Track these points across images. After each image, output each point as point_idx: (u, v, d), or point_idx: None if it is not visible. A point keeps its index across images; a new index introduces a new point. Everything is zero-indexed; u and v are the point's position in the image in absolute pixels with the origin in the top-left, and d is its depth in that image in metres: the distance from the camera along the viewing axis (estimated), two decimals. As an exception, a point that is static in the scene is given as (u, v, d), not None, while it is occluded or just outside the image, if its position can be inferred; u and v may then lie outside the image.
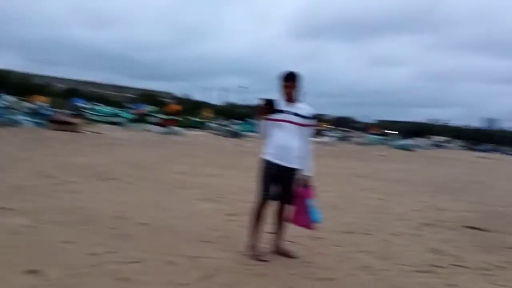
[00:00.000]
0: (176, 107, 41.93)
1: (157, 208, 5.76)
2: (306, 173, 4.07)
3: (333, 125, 70.48)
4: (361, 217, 6.54)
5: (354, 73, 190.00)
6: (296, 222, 4.12)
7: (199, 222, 5.23)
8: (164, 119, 30.44)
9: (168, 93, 71.87)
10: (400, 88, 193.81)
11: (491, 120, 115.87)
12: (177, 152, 14.79)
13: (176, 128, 27.39)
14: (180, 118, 34.08)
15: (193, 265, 3.66)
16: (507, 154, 70.03)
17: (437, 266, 4.25)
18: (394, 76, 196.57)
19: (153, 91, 68.16)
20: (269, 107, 3.96)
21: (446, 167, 19.70)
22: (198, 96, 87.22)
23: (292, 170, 4.00)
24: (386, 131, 71.17)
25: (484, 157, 38.43)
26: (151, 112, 33.69)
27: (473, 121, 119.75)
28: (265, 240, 4.18)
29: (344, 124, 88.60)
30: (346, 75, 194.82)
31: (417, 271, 4.07)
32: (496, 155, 52.25)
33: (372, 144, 39.04)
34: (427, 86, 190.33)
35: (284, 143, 3.94)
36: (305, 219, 4.06)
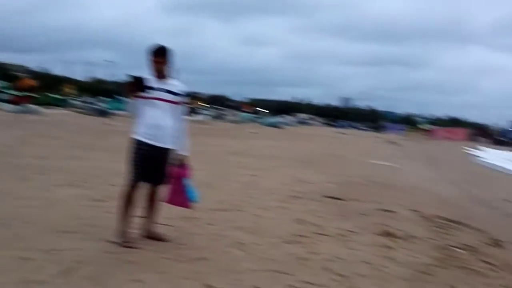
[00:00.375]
0: (30, 82, 37.71)
1: (9, 197, 5.10)
2: (181, 152, 3.95)
3: (207, 103, 70.80)
4: (233, 194, 6.67)
5: (227, 51, 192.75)
6: (173, 202, 4.02)
7: (58, 210, 4.75)
8: (17, 96, 27.23)
9: (21, 66, 64.42)
10: (269, 67, 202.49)
11: (346, 99, 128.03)
12: (34, 133, 13.36)
13: (32, 106, 24.70)
14: (36, 95, 30.80)
15: (50, 259, 3.29)
16: (359, 129, 78.64)
17: (302, 236, 4.53)
18: (264, 56, 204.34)
19: (3, 63, 60.41)
20: (138, 84, 3.71)
21: (310, 143, 21.27)
22: (58, 71, 79.72)
23: (166, 150, 3.85)
24: (257, 109, 74.13)
25: (342, 133, 42.50)
26: (0, 87, 29.83)
27: (332, 100, 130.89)
28: (135, 225, 3.99)
29: (218, 102, 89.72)
30: (219, 53, 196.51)
31: (284, 242, 4.29)
32: (351, 131, 58.26)
33: (245, 122, 40.33)
34: (293, 66, 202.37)
35: (157, 122, 3.75)
36: (182, 199, 3.98)
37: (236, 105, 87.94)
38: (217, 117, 43.71)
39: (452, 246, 4.62)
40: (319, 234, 4.69)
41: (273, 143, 18.47)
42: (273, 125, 38.75)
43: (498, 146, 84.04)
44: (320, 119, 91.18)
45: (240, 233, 4.49)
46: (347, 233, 4.83)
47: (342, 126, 75.85)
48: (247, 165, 10.26)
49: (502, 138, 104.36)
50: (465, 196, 9.88)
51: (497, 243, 5.25)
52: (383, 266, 3.76)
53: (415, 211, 6.49)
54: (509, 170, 26.51)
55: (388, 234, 4.89)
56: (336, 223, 5.28)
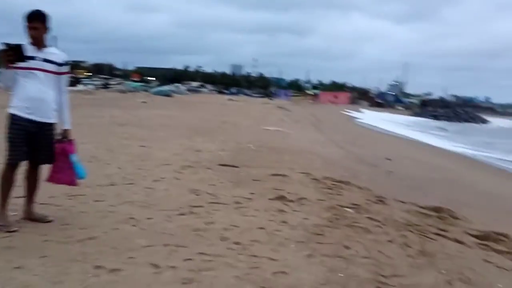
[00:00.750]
0: None
1: None
2: (65, 126, 3.60)
3: (91, 73, 66.10)
4: (123, 167, 6.30)
5: (113, 18, 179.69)
6: (58, 180, 3.69)
7: None
8: None
9: None
10: (158, 35, 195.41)
11: (237, 66, 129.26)
12: None
13: None
14: None
15: None
16: (250, 96, 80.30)
17: (197, 207, 4.43)
18: (153, 23, 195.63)
19: None
20: (15, 53, 3.26)
21: (202, 111, 21.05)
22: None
23: (49, 125, 3.48)
24: (146, 77, 71.34)
25: (233, 100, 42.87)
26: None
27: (223, 67, 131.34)
28: (15, 207, 3.55)
29: (104, 71, 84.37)
30: (103, 20, 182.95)
31: (179, 214, 4.15)
32: (243, 98, 59.10)
33: (133, 91, 38.51)
34: (183, 34, 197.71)
35: (36, 95, 3.37)
36: (68, 177, 3.66)
37: (123, 74, 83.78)
38: (103, 86, 41.13)
39: (341, 206, 4.90)
40: (215, 203, 4.63)
41: (164, 112, 17.90)
42: (164, 94, 37.57)
43: (378, 108, 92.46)
44: (212, 87, 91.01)
45: (132, 207, 4.25)
46: (242, 200, 4.85)
47: (233, 93, 76.67)
48: (137, 136, 9.78)
49: (381, 101, 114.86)
50: (350, 156, 10.64)
51: (380, 200, 5.71)
52: (278, 231, 3.83)
53: (306, 174, 6.77)
54: (387, 130, 29.37)
55: (281, 198, 5.02)
56: (231, 191, 5.28)
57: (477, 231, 4.82)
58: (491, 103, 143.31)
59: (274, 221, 4.13)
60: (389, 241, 3.86)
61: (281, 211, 4.52)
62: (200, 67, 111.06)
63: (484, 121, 77.85)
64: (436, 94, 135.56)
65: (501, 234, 4.74)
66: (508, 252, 4.16)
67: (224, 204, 4.64)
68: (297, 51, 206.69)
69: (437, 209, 5.82)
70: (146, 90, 41.75)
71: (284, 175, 6.51)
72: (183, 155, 7.75)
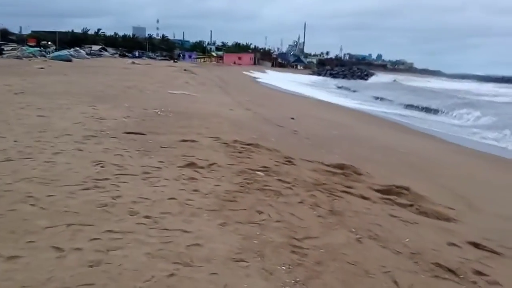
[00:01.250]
0: None
1: None
2: None
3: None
4: (20, 139, 5.71)
5: None
6: None
7: None
8: None
9: None
10: None
11: (139, 29, 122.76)
12: None
13: None
14: None
15: None
16: (155, 59, 77.37)
17: (102, 180, 4.17)
18: None
19: None
20: None
21: (103, 76, 19.77)
22: None
23: None
24: (44, 42, 65.23)
25: (136, 63, 40.89)
26: None
27: (125, 30, 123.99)
28: None
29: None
30: None
31: (83, 189, 3.88)
32: (146, 61, 56.63)
33: (30, 57, 34.84)
34: None
35: None
36: None
37: (19, 39, 76.01)
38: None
39: (252, 170, 4.95)
40: (121, 175, 4.40)
41: (63, 79, 16.51)
42: (63, 59, 34.54)
43: (280, 68, 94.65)
44: (113, 50, 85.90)
45: (30, 185, 3.89)
46: (151, 169, 4.67)
47: (136, 57, 73.20)
48: (34, 105, 8.91)
49: (282, 61, 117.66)
50: (257, 118, 10.76)
51: (289, 161, 5.87)
52: (190, 200, 3.76)
53: (215, 138, 6.72)
54: (290, 90, 30.25)
55: (191, 165, 4.94)
56: (138, 160, 5.06)
57: (379, 186, 5.20)
58: (383, 60, 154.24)
59: (185, 190, 4.05)
60: (300, 202, 3.99)
61: (192, 178, 4.44)
62: (100, 29, 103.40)
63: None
64: (333, 53, 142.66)
65: (402, 187, 5.16)
66: (410, 205, 4.55)
67: (132, 175, 4.43)
68: (200, 12, 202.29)
69: (341, 166, 6.15)
70: (43, 55, 38.08)
71: (193, 141, 6.40)
72: (86, 124, 7.24)
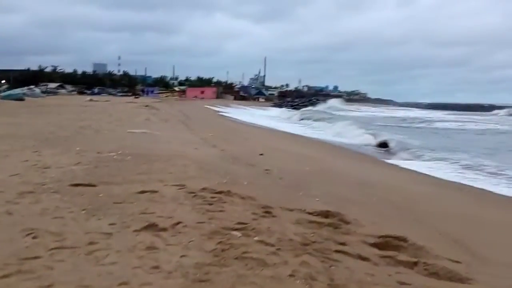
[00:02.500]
0: None
1: None
2: None
3: None
4: None
5: None
6: None
7: None
8: None
9: None
10: (12, 36, 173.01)
11: (100, 65, 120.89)
12: None
13: None
14: None
15: None
16: (113, 95, 75.76)
17: (31, 259, 3.15)
18: (6, 24, 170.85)
19: None
20: None
21: (56, 115, 18.45)
22: None
23: None
24: None
25: (95, 100, 39.40)
26: None
27: (86, 67, 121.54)
28: None
29: None
30: None
31: (1, 277, 2.88)
32: (106, 97, 55.06)
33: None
34: (42, 33, 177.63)
35: None
36: None
37: None
38: None
39: (226, 229, 4.05)
40: (59, 248, 3.39)
41: (11, 120, 15.15)
42: (14, 98, 32.69)
43: (242, 101, 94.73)
44: (72, 88, 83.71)
45: None
46: (99, 237, 3.68)
47: (95, 93, 71.39)
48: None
49: (244, 94, 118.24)
50: (225, 156, 9.91)
51: (267, 211, 5.01)
52: (148, 285, 2.81)
53: (180, 186, 5.79)
54: (253, 123, 29.69)
55: (151, 227, 3.98)
56: (83, 224, 4.05)
57: (373, 237, 4.42)
58: (340, 91, 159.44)
59: (142, 267, 3.09)
60: (291, 275, 3.11)
61: (152, 248, 3.48)
62: (57, 66, 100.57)
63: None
64: (293, 85, 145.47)
65: (398, 238, 4.41)
66: (415, 263, 3.77)
67: (73, 248, 3.43)
68: (163, 49, 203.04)
69: (326, 214, 5.36)
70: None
71: (154, 191, 5.46)
72: (24, 176, 6.14)
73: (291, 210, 5.40)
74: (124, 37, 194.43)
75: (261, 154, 11.46)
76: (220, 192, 5.63)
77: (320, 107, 71.67)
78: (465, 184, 10.15)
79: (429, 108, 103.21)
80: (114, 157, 7.98)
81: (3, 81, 69.40)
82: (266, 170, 8.48)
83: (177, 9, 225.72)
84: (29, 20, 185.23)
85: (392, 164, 12.78)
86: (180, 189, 5.71)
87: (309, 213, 5.36)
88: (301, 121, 38.22)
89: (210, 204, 5.07)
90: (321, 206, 5.89)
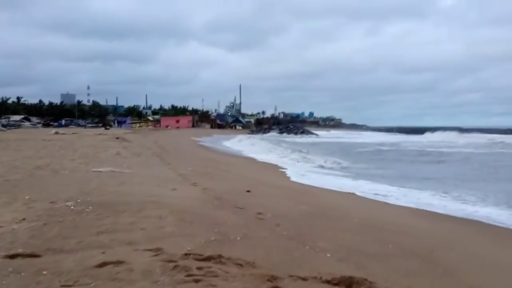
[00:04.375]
0: None
1: None
2: None
3: None
4: None
5: None
6: None
7: None
8: None
9: None
10: None
11: (68, 96, 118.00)
12: None
13: None
14: None
15: None
16: (82, 126, 73.20)
17: None
18: None
19: None
20: None
21: (13, 151, 16.60)
22: None
23: None
24: None
25: (59, 133, 37.30)
26: None
27: (53, 98, 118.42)
28: None
29: None
30: None
31: None
32: (74, 129, 52.76)
33: None
34: (5, 64, 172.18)
35: None
36: None
37: None
38: None
39: None
40: None
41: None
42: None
43: (219, 130, 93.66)
44: (38, 120, 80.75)
45: None
46: None
47: (62, 125, 68.78)
48: None
49: (221, 122, 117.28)
50: (208, 197, 8.50)
51: (275, 286, 3.67)
52: None
53: (155, 251, 4.35)
54: (232, 151, 28.35)
55: None
56: None
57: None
58: (315, 117, 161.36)
59: None
60: None
61: None
62: (21, 98, 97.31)
63: (312, 134, 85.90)
64: (269, 112, 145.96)
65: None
66: None
67: None
68: (135, 78, 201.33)
69: (349, 283, 4.07)
70: None
71: (119, 262, 4.01)
72: None
73: (305, 279, 4.05)
74: (94, 66, 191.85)
75: (248, 191, 10.15)
76: (208, 259, 4.23)
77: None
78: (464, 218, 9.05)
79: (387, 131, 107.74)
80: (72, 207, 6.45)
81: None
82: (259, 214, 7.13)
83: (149, 38, 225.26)
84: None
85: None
86: (155, 255, 4.27)
87: (328, 282, 4.04)
88: (281, 145, 37.14)
89: (197, 281, 3.66)
90: (337, 267, 4.65)
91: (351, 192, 11.89)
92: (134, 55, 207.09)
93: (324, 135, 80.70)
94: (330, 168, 19.48)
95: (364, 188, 12.71)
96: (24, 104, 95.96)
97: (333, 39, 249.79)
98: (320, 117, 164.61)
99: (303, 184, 13.31)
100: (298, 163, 21.99)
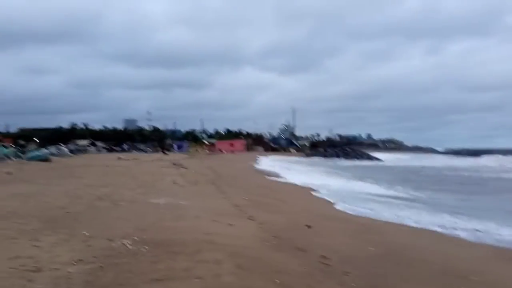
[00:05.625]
0: None
1: None
2: None
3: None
4: None
5: (2, 81, 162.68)
6: None
7: None
8: None
9: None
10: (48, 95, 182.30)
11: (130, 121, 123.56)
12: None
13: None
14: None
15: None
16: (143, 151, 75.80)
17: None
18: (44, 84, 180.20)
19: None
20: None
21: (77, 179, 17.07)
22: None
23: None
24: (21, 141, 64.28)
25: (122, 158, 38.57)
26: None
27: (116, 123, 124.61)
28: None
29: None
30: None
31: None
32: (135, 154, 54.58)
33: (2, 159, 32.21)
34: (76, 93, 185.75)
35: None
36: None
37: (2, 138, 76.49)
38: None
39: None
40: None
41: (23, 189, 13.56)
42: (40, 159, 32.05)
43: (273, 153, 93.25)
44: (102, 144, 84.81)
45: None
46: None
47: (125, 150, 71.61)
48: None
49: (275, 145, 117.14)
50: (264, 234, 8.03)
51: None
52: None
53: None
54: (288, 178, 27.69)
55: None
56: None
57: None
58: (373, 139, 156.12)
59: None
60: None
61: None
62: (88, 124, 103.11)
63: (372, 158, 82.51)
64: (324, 134, 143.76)
65: None
66: None
67: None
68: (192, 103, 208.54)
69: None
70: (19, 156, 35.60)
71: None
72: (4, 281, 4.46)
73: None
74: (155, 93, 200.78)
75: (308, 227, 9.58)
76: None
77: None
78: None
79: (455, 154, 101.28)
80: (128, 245, 6.23)
81: (35, 139, 70.80)
82: (323, 258, 6.54)
83: (206, 65, 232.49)
84: (65, 81, 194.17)
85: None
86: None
87: None
88: (342, 170, 35.96)
89: None
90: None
91: (424, 227, 10.93)
92: (191, 81, 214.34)
93: (386, 158, 77.42)
94: (397, 198, 18.34)
95: (438, 221, 11.68)
96: (91, 129, 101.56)
97: (390, 59, 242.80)
98: (379, 139, 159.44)
99: (367, 217, 12.47)
100: (360, 192, 21.02)
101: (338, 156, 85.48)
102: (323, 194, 18.45)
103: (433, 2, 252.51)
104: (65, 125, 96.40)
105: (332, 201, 15.77)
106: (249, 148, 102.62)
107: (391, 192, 20.32)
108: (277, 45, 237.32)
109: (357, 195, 18.73)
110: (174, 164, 28.89)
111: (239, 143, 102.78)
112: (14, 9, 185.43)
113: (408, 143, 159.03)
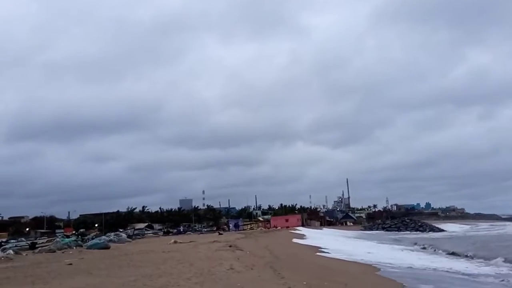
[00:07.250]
0: None
1: None
2: None
3: (29, 227, 60.29)
4: None
5: (66, 170, 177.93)
6: None
7: None
8: None
9: None
10: (109, 181, 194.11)
11: (185, 201, 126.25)
12: None
13: None
14: None
15: None
16: (199, 231, 75.95)
17: None
18: (106, 171, 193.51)
19: None
20: None
21: (134, 269, 17.01)
22: None
23: None
24: (82, 230, 67.03)
25: (178, 241, 38.60)
26: None
27: (172, 203, 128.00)
28: None
29: (43, 224, 79.60)
30: (55, 173, 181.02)
31: None
32: (190, 236, 54.63)
33: (65, 249, 33.14)
34: (135, 177, 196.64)
35: None
36: None
37: (65, 225, 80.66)
38: (29, 247, 35.84)
39: None
40: None
41: (81, 282, 13.74)
42: (99, 247, 32.65)
43: (329, 226, 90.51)
44: (160, 226, 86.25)
45: None
46: None
47: (180, 232, 72.09)
48: None
49: (331, 219, 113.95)
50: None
51: None
52: None
53: None
54: (352, 255, 26.26)
55: None
56: None
57: None
58: (433, 208, 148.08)
59: None
60: None
61: None
62: (146, 207, 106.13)
63: (434, 229, 77.28)
64: (380, 205, 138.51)
65: None
66: None
67: None
68: (245, 180, 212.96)
69: None
70: (80, 245, 36.66)
71: None
72: None
73: None
74: (210, 172, 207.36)
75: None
76: None
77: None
78: None
79: None
80: None
81: (97, 225, 73.38)
82: None
83: (258, 142, 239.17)
84: (125, 166, 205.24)
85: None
86: None
87: None
88: (409, 245, 33.77)
89: None
90: None
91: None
92: (244, 159, 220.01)
93: (451, 228, 72.46)
94: (486, 275, 16.66)
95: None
96: (148, 212, 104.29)
97: (441, 126, 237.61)
98: (439, 208, 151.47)
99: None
100: (436, 274, 19.40)
101: (398, 228, 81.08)
102: (388, 274, 17.16)
103: (480, 70, 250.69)
104: (123, 209, 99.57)
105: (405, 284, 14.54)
106: (304, 222, 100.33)
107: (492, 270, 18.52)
108: (327, 120, 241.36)
109: (430, 279, 17.24)
110: (230, 246, 28.46)
111: (294, 218, 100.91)
112: (79, 102, 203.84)
113: (470, 210, 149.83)
